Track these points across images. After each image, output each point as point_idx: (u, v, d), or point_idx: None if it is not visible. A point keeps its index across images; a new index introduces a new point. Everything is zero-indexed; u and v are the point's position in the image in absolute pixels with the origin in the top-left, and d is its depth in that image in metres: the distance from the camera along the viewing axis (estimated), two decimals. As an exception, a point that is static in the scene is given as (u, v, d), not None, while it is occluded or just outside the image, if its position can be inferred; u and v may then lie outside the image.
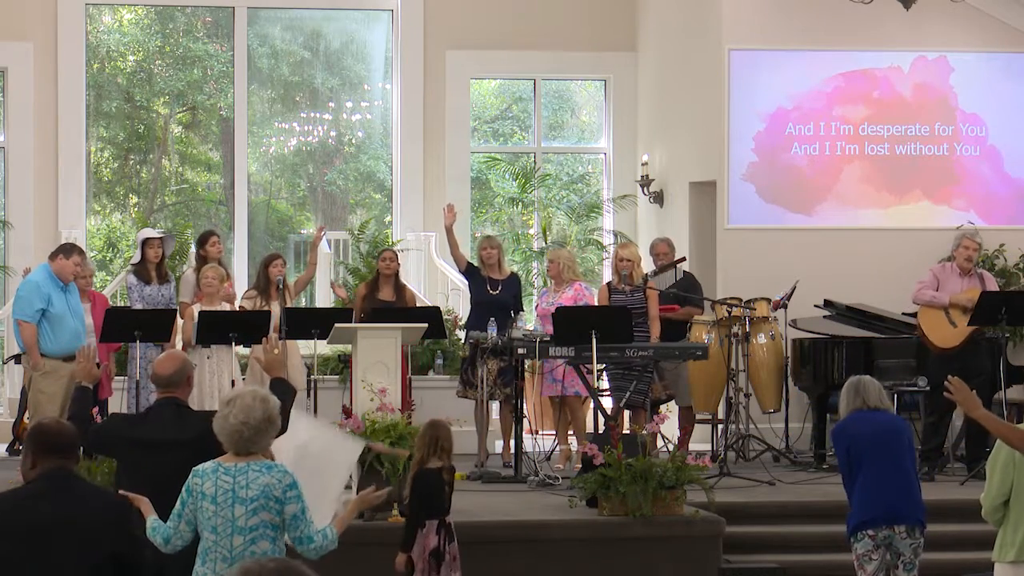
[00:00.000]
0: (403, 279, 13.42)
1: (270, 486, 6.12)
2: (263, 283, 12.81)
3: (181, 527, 6.20)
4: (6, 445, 13.69)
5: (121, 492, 6.26)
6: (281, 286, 12.70)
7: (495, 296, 12.90)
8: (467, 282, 13.51)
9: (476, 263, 13.19)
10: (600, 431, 11.56)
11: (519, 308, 12.99)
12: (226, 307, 12.44)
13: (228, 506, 6.11)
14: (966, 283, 12.43)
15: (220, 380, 11.96)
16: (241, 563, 3.92)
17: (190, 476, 6.22)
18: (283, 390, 6.83)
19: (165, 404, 7.04)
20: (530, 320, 13.67)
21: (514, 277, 13.29)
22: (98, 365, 7.62)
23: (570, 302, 12.62)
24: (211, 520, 6.12)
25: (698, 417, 13.73)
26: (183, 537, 6.21)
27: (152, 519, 6.23)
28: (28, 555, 5.28)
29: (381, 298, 12.92)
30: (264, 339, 7.58)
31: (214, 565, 6.12)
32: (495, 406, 13.21)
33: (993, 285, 12.62)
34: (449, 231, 13.12)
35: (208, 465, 6.22)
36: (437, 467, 8.93)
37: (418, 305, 13.32)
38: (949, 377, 7.10)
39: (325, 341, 11.74)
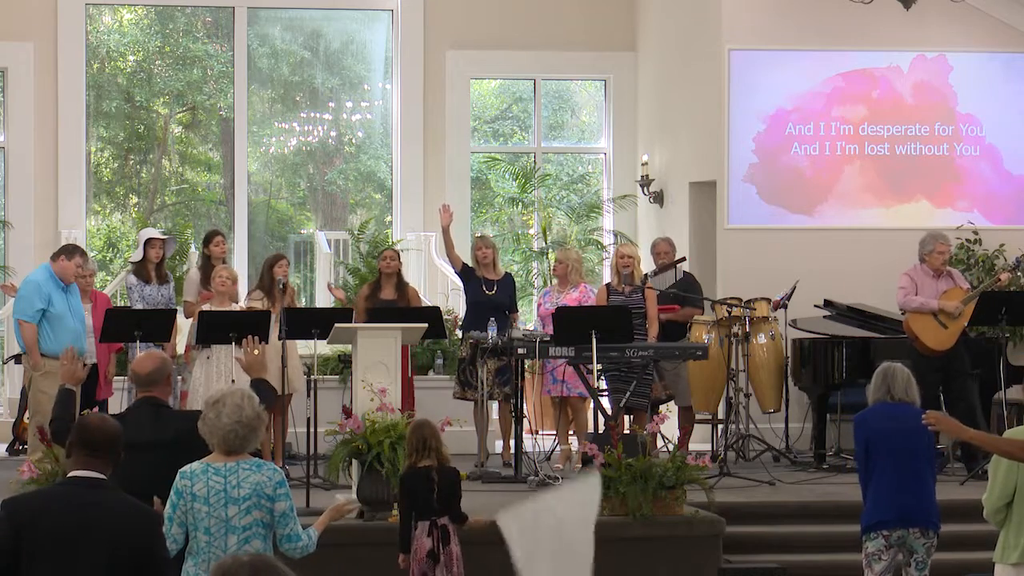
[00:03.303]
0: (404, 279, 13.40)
1: (261, 484, 6.13)
2: (268, 283, 12.79)
3: (174, 530, 6.17)
4: (6, 445, 13.69)
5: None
6: (282, 287, 12.69)
7: (491, 296, 12.90)
8: (462, 283, 13.51)
9: (471, 264, 13.19)
10: (600, 431, 11.55)
11: (514, 308, 13.02)
12: (235, 307, 12.45)
13: (221, 506, 6.11)
14: (941, 284, 12.46)
15: (227, 381, 11.95)
16: (217, 562, 3.86)
17: (177, 478, 6.18)
18: (262, 391, 6.80)
19: (144, 404, 6.98)
20: (530, 320, 13.66)
21: (508, 277, 13.29)
22: (85, 365, 7.55)
23: (574, 303, 12.62)
24: (204, 521, 6.11)
25: (698, 417, 13.72)
26: (176, 540, 6.19)
27: None
28: (50, 558, 5.19)
29: (383, 297, 12.93)
30: (244, 340, 7.49)
31: (207, 565, 6.10)
32: (495, 406, 13.21)
33: (964, 282, 12.68)
34: (445, 231, 13.12)
35: (196, 466, 6.19)
36: (425, 466, 8.84)
37: (421, 303, 13.32)
38: (926, 412, 7.18)
39: (325, 341, 11.74)
